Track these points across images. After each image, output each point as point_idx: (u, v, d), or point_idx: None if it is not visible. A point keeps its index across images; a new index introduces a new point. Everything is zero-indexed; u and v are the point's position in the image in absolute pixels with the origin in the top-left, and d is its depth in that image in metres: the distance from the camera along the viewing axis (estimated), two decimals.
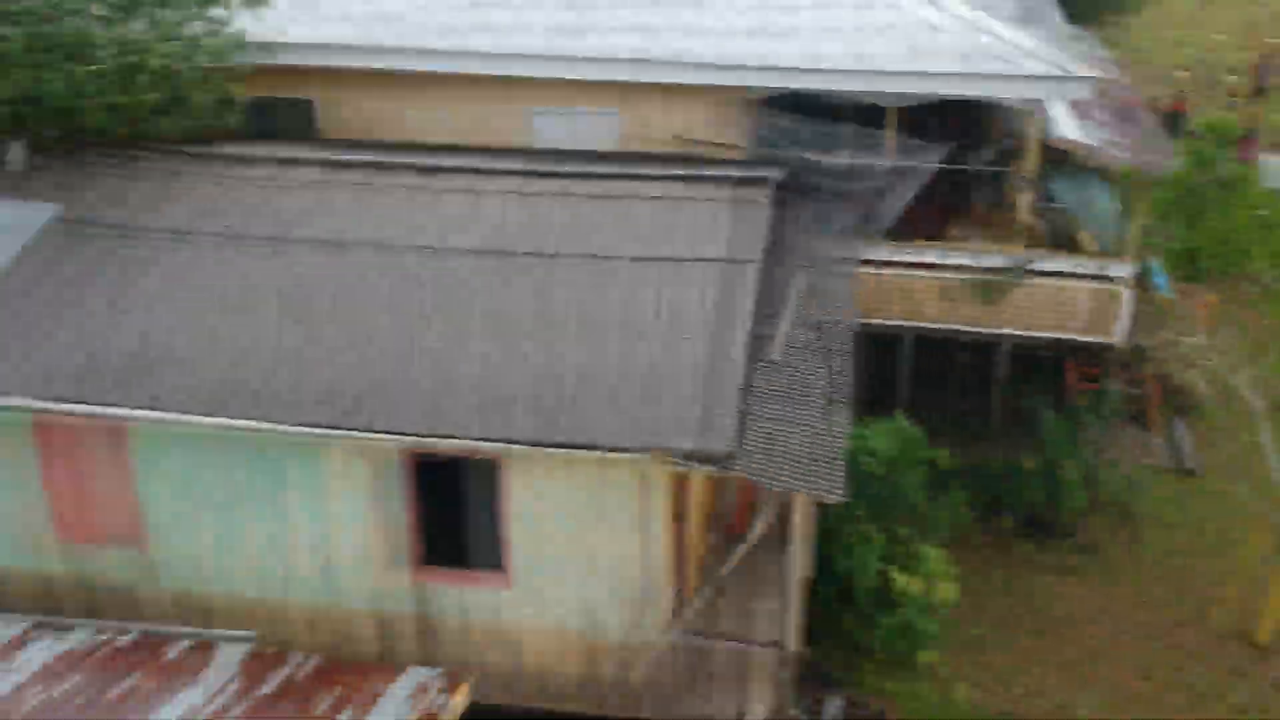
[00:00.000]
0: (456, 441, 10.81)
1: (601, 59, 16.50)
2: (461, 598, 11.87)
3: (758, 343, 12.08)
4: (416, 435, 10.89)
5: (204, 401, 11.28)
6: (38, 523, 12.38)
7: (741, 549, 12.11)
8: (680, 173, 14.33)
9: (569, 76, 16.66)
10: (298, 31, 17.27)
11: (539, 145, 16.88)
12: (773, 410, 11.36)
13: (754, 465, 10.59)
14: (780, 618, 12.15)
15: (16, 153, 15.12)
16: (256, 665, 10.71)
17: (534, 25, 17.27)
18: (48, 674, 10.44)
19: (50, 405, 11.40)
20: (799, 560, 11.95)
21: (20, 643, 10.97)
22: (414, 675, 10.65)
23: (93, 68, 14.57)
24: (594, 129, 17.06)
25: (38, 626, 11.35)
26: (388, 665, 11.23)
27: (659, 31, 16.86)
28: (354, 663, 11.37)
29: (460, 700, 10.50)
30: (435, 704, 10.25)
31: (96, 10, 15.53)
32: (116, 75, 14.67)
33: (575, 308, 12.13)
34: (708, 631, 12.01)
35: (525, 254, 12.91)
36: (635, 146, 16.75)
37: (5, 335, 12.16)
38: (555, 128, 17.16)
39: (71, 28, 14.83)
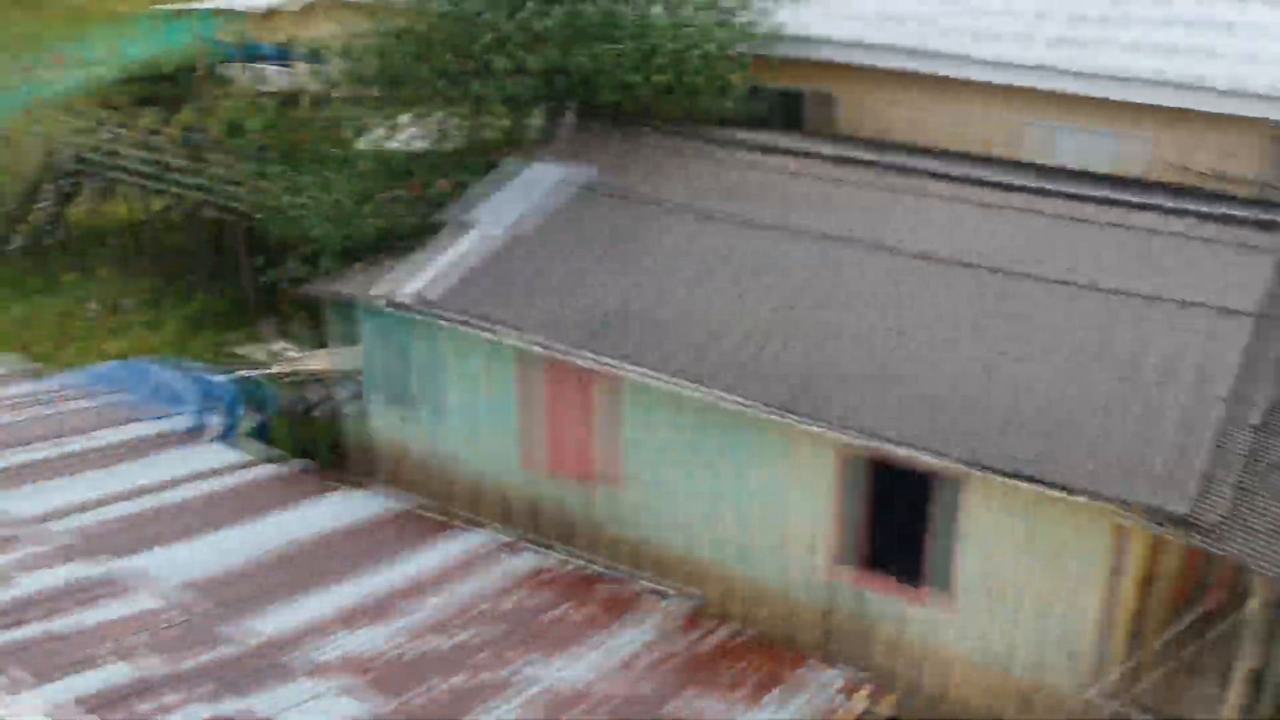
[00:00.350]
0: (914, 452, 10.81)
1: (1114, 77, 15.63)
2: (898, 609, 11.86)
3: (1242, 405, 11.07)
4: (874, 436, 11.01)
5: (676, 365, 12.09)
6: (519, 450, 13.87)
7: (1187, 622, 11.21)
8: (1184, 207, 13.33)
9: (1074, 92, 15.95)
10: (799, 25, 17.81)
11: (1032, 159, 16.33)
12: (1248, 480, 10.39)
13: (1215, 536, 9.77)
14: (1221, 706, 11.13)
15: (540, 119, 16.87)
16: (675, 621, 11.38)
17: (1043, 36, 16.69)
18: (502, 586, 11.71)
19: (542, 348, 12.74)
20: (1255, 649, 10.86)
21: (487, 554, 12.38)
22: (837, 672, 10.83)
23: (615, 47, 15.89)
24: (1094, 149, 16.24)
25: (502, 543, 12.75)
26: (815, 655, 11.48)
27: (1182, 53, 15.68)
28: (781, 644, 11.75)
29: (884, 708, 10.57)
30: (855, 707, 10.37)
31: None
32: (634, 56, 15.89)
33: (1053, 335, 11.70)
34: (1149, 705, 11.21)
35: (1010, 272, 12.60)
36: (1138, 171, 15.76)
37: (519, 282, 13.67)
38: (1052, 143, 16.53)
39: (602, 10, 16.24)
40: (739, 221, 14.05)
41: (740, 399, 11.59)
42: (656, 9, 16.83)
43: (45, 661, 9.33)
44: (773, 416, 11.43)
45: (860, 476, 11.67)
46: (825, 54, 17.59)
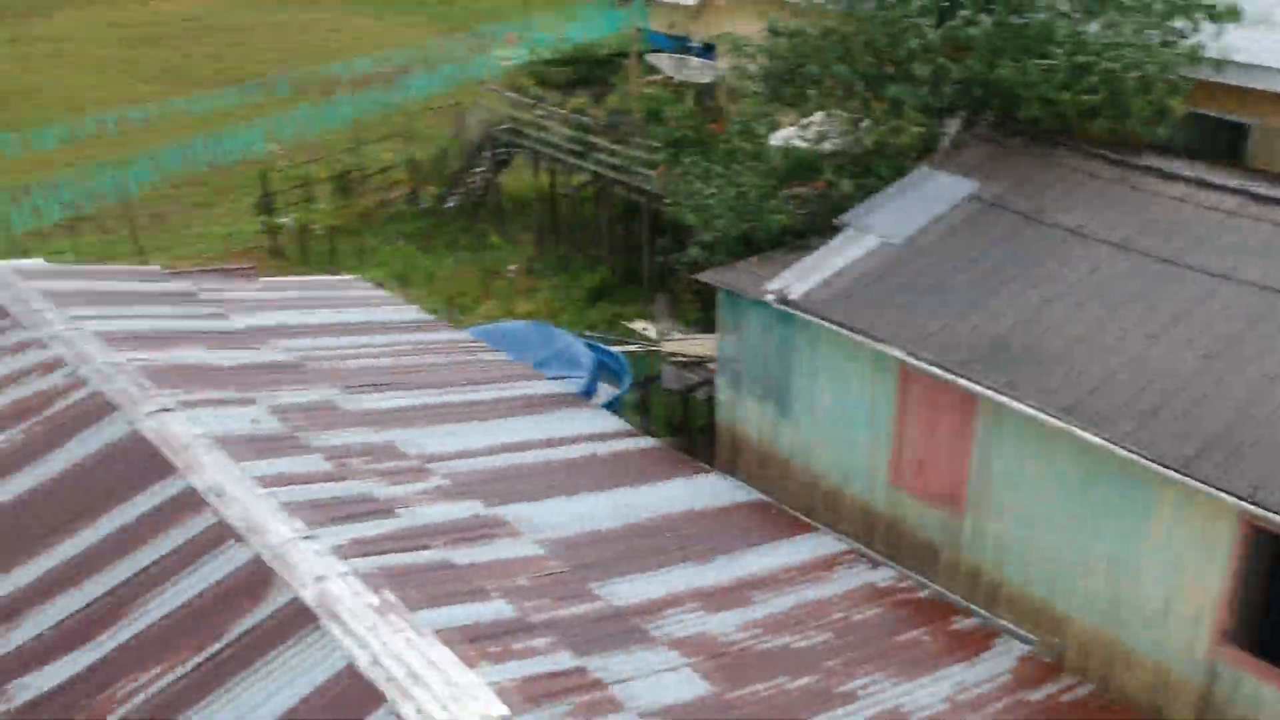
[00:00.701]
0: None
1: None
2: (1259, 693, 10.84)
3: None
4: (1258, 505, 10.08)
5: (1067, 402, 11.55)
6: (880, 462, 13.79)
7: None
8: None
9: None
10: (1250, 50, 16.27)
11: None
12: None
13: None
14: None
15: (953, 129, 16.48)
16: (1030, 670, 10.92)
17: None
18: (853, 598, 11.71)
19: (921, 364, 12.57)
20: None
21: (839, 561, 12.43)
22: None
23: (1045, 62, 15.20)
24: None
25: (854, 553, 12.76)
26: None
27: None
28: (1122, 706, 11.04)
29: None
30: None
31: (1062, 6, 16.17)
32: (1065, 73, 15.14)
33: None
34: None
35: None
36: None
37: (906, 294, 13.54)
38: None
39: (1036, 22, 15.59)
40: (1155, 257, 13.10)
41: (1137, 451, 10.86)
42: (1094, 25, 15.93)
43: (430, 589, 10.28)
44: (1171, 474, 10.63)
45: (1234, 542, 10.63)
46: (1271, 84, 15.99)
